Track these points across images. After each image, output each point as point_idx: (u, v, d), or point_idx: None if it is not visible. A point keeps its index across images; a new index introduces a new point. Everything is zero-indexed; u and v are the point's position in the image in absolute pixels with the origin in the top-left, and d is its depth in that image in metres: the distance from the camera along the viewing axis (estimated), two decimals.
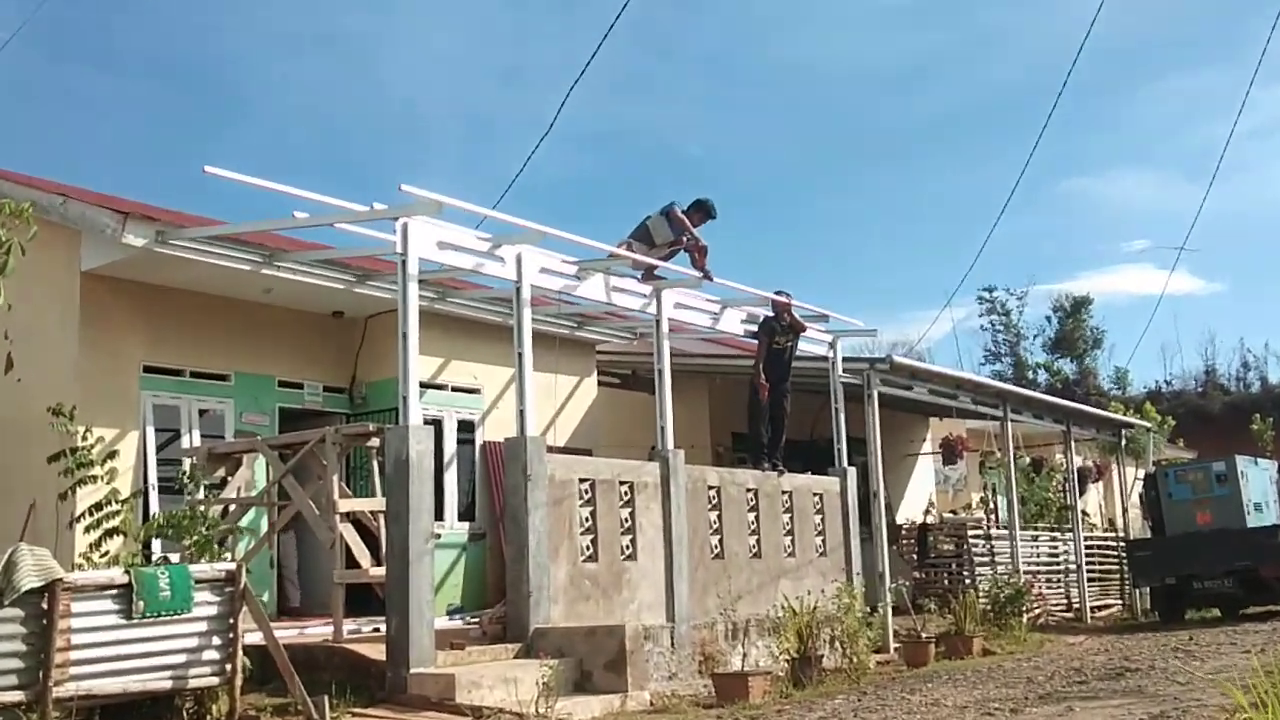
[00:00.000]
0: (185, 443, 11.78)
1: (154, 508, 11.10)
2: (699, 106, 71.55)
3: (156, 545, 10.03)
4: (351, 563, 10.01)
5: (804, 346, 14.41)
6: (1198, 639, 14.08)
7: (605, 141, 72.08)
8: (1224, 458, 18.81)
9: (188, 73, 58.77)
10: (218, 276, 11.47)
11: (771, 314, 13.56)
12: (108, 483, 8.38)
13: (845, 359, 14.89)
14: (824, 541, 14.04)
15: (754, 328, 13.69)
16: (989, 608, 15.33)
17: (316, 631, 10.43)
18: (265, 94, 63.58)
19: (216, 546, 8.99)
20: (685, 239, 12.54)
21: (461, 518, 13.61)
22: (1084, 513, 22.61)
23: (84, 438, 8.39)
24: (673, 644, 11.06)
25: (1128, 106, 72.57)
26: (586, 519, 10.77)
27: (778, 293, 13.49)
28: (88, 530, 8.24)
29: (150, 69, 58.89)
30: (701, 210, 12.88)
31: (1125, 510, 23.16)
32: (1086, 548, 20.29)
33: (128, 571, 7.25)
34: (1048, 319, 54.81)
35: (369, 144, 66.27)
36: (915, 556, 18.52)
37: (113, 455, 8.57)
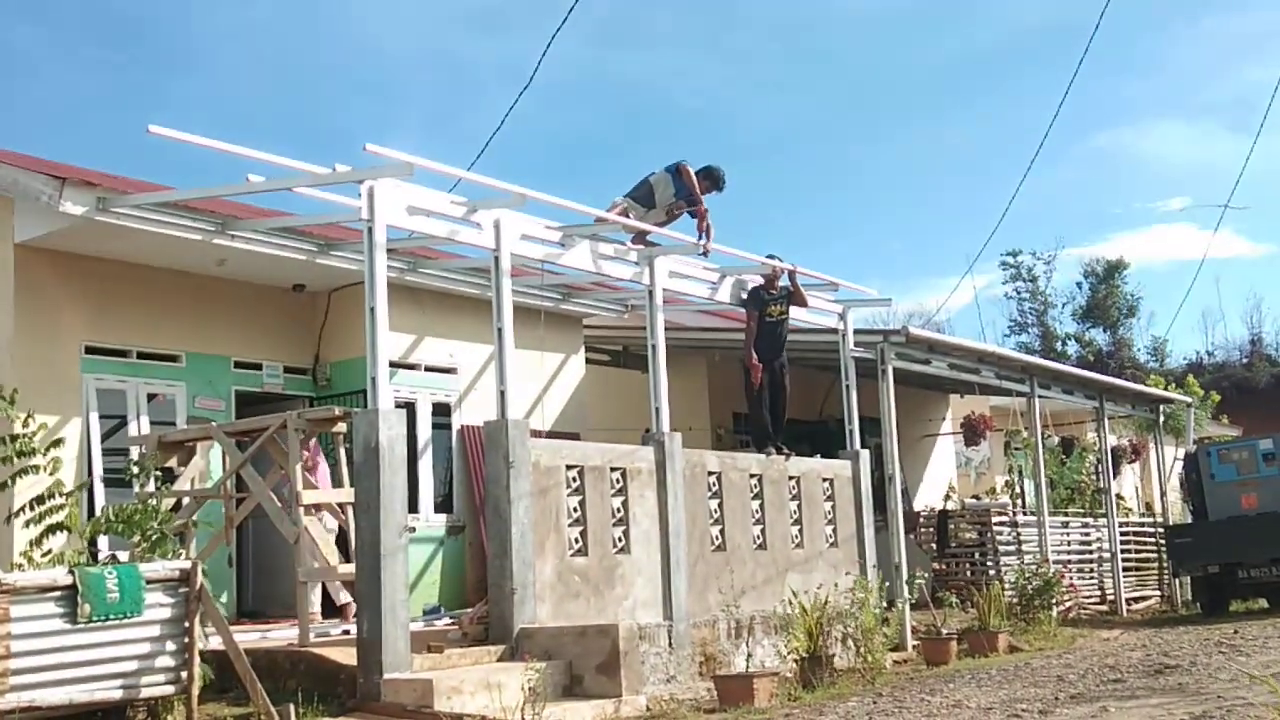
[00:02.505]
0: (133, 430, 11.78)
1: (99, 501, 11.11)
2: (696, 54, 71.46)
3: (103, 542, 10.04)
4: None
5: (812, 318, 14.41)
6: (1243, 632, 14.19)
7: (593, 94, 72.03)
8: (1271, 435, 18.91)
9: (129, 24, 58.51)
10: (166, 247, 11.44)
11: (760, 283, 13.55)
12: (51, 473, 8.36)
13: (857, 331, 14.91)
14: (835, 531, 14.10)
15: (744, 295, 13.68)
16: (1015, 601, 15.42)
17: (281, 635, 10.46)
18: (215, 46, 63.29)
19: (175, 541, 8.99)
20: (688, 203, 12.49)
21: (438, 509, 13.65)
22: (1119, 496, 22.73)
23: (25, 424, 8.36)
24: (670, 644, 11.11)
25: (1163, 50, 72.63)
26: (575, 509, 10.80)
27: (768, 258, 13.49)
28: (28, 525, 8.23)
29: (89, 21, 58.60)
30: (711, 179, 12.85)
31: (1164, 493, 23.27)
32: (1122, 534, 20.41)
33: (72, 572, 7.25)
34: (1078, 285, 55.03)
35: (331, 100, 66.12)
36: (935, 546, 18.60)
37: (58, 444, 8.54)
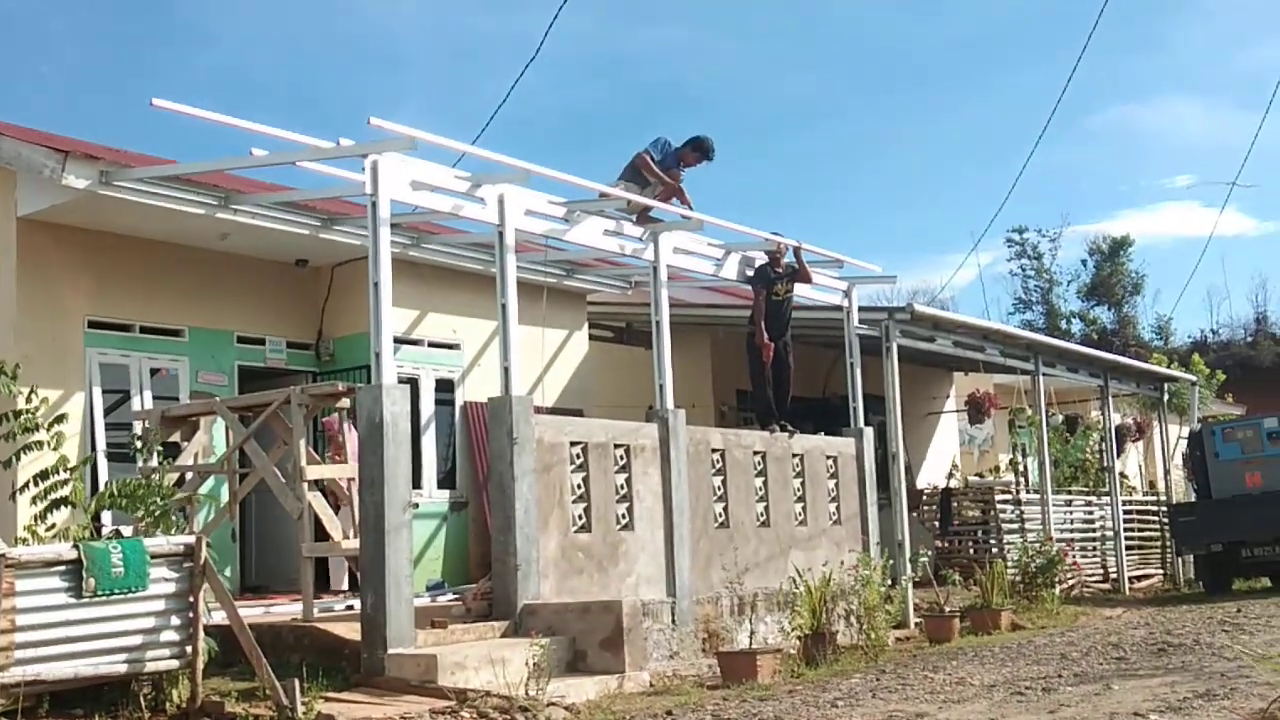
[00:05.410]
0: (136, 405, 11.79)
1: (103, 476, 11.12)
2: (704, 30, 71.16)
3: (106, 517, 10.05)
4: (322, 535, 10.05)
5: (816, 295, 14.39)
6: (1246, 611, 14.22)
7: (604, 71, 71.78)
8: (1276, 413, 18.87)
9: None
10: (169, 221, 11.42)
11: (766, 260, 13.52)
12: (55, 448, 8.36)
13: (861, 308, 14.90)
14: (838, 508, 14.12)
15: (751, 273, 13.66)
16: (1018, 578, 15.45)
17: (284, 610, 10.49)
18: (221, 19, 63.04)
19: (178, 516, 9.00)
20: (670, 175, 12.40)
21: (441, 485, 13.66)
22: (1122, 475, 22.72)
23: (29, 399, 8.36)
24: (674, 620, 11.14)
25: (1173, 27, 72.25)
26: (578, 486, 10.81)
27: (772, 235, 13.45)
28: (34, 501, 8.23)
29: None
30: (699, 150, 12.74)
31: (1168, 472, 23.28)
32: (1125, 513, 20.41)
33: (76, 546, 7.27)
34: (1083, 263, 54.88)
35: (337, 74, 65.92)
36: (938, 524, 18.62)
37: (61, 419, 8.54)
